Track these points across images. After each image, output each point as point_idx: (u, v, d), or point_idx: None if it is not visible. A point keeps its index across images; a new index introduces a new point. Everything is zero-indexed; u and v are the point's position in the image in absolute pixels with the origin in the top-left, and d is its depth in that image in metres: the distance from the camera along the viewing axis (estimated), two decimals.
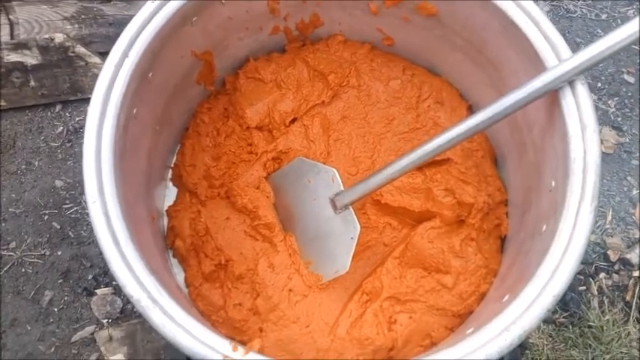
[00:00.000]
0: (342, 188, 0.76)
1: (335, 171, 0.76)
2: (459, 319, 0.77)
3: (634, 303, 1.12)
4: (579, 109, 0.58)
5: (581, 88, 0.58)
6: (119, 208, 0.53)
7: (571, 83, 0.59)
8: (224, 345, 0.49)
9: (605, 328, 1.09)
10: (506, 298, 0.57)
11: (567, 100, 0.58)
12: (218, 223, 0.82)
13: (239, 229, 0.82)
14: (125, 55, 0.59)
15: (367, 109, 0.88)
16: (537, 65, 0.62)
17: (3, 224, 1.23)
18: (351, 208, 0.75)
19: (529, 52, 0.62)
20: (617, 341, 1.09)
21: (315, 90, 0.87)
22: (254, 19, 0.78)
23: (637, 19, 0.53)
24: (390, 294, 0.76)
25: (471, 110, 0.87)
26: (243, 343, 0.61)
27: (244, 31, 0.80)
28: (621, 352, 1.08)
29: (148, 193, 0.76)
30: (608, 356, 1.08)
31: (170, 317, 0.49)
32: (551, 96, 0.61)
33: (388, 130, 0.87)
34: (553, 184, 0.61)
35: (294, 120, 0.87)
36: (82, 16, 1.35)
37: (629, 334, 1.10)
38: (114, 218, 0.52)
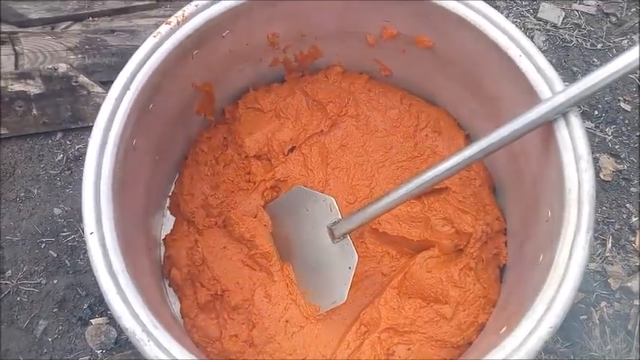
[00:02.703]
0: (340, 217, 0.76)
1: (333, 199, 0.77)
2: (458, 351, 0.76)
3: (636, 332, 1.10)
4: (573, 140, 0.58)
5: (575, 120, 0.59)
6: (116, 240, 0.53)
7: (565, 115, 0.59)
8: None
9: (607, 358, 1.07)
10: (503, 329, 0.56)
11: (561, 132, 0.59)
12: (215, 253, 0.81)
13: (236, 259, 0.81)
14: (126, 88, 0.60)
15: (365, 137, 0.89)
16: (532, 97, 0.63)
17: (0, 252, 1.22)
18: (349, 237, 0.75)
19: (523, 84, 0.63)
20: None
21: (313, 119, 0.88)
22: (254, 51, 0.79)
23: (628, 52, 0.54)
24: (389, 325, 0.75)
25: (469, 139, 0.88)
26: None
27: (244, 63, 0.81)
28: None
29: (146, 222, 0.76)
30: None
31: (164, 350, 0.49)
32: (546, 127, 0.62)
33: (386, 158, 0.88)
34: (549, 214, 0.61)
35: (292, 149, 0.88)
36: (86, 47, 1.37)
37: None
38: (111, 249, 0.52)
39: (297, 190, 0.81)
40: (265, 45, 0.80)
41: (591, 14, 1.54)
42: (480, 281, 0.77)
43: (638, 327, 1.09)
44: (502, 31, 0.63)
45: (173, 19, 0.64)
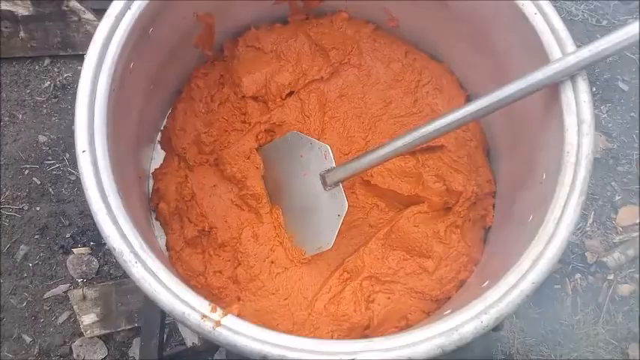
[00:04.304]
0: (334, 165, 0.75)
1: (328, 147, 0.76)
2: (436, 304, 0.77)
3: (605, 305, 1.14)
4: (578, 104, 0.58)
5: (582, 84, 0.58)
6: (108, 161, 0.52)
7: (572, 77, 0.59)
8: (203, 305, 0.49)
9: (575, 327, 1.11)
10: (486, 283, 0.57)
11: (567, 94, 0.59)
12: (205, 190, 0.81)
13: (225, 198, 0.81)
14: (127, 7, 0.57)
15: (365, 89, 0.87)
16: (541, 58, 0.62)
17: None
18: (341, 186, 0.75)
19: (535, 43, 0.62)
20: (586, 340, 1.12)
21: (314, 65, 0.86)
22: None
23: None
24: (371, 273, 0.77)
25: (469, 100, 0.87)
26: None
27: None
28: (588, 351, 1.11)
29: (137, 153, 0.74)
30: (575, 354, 1.11)
31: (151, 273, 0.49)
32: (551, 89, 0.61)
33: (385, 112, 0.87)
34: (544, 176, 0.61)
35: (290, 93, 0.86)
36: None
37: (597, 334, 1.13)
38: (102, 169, 0.51)
39: (293, 135, 0.80)
40: None
41: None
42: (464, 240, 0.78)
43: (607, 300, 1.13)
44: None
45: None
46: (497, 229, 0.78)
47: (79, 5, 1.23)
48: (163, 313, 0.83)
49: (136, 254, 0.49)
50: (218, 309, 0.49)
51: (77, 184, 1.18)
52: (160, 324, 0.82)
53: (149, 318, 0.81)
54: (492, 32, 0.71)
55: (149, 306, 0.81)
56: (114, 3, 0.58)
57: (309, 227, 0.78)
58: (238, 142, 0.83)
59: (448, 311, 0.57)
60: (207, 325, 0.48)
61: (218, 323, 0.48)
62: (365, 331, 0.75)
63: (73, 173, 1.19)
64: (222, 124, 0.83)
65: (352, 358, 0.47)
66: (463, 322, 0.50)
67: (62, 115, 1.24)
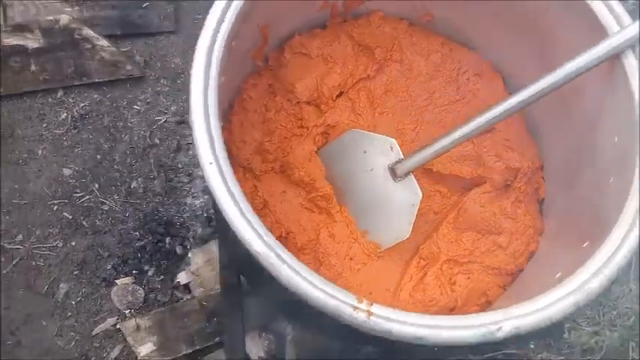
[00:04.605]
0: (402, 157, 0.78)
1: (394, 141, 0.79)
2: (511, 277, 0.81)
3: (633, 262, 1.21)
4: None
5: None
6: (230, 170, 0.53)
7: (632, 48, 0.64)
8: (350, 297, 0.51)
9: (613, 285, 1.18)
10: (586, 244, 0.61)
11: (630, 61, 0.64)
12: (275, 197, 0.82)
13: (295, 203, 0.82)
14: (221, 21, 0.59)
15: (409, 82, 0.91)
16: (596, 34, 0.67)
17: (7, 217, 1.16)
18: (412, 176, 0.78)
19: (590, 20, 0.67)
20: (622, 298, 1.18)
21: (360, 64, 0.89)
22: None
23: None
24: (449, 257, 0.80)
25: (505, 82, 0.92)
26: None
27: (299, 5, 0.80)
28: (626, 308, 1.18)
29: None
30: (615, 312, 1.17)
31: (296, 272, 0.50)
32: (610, 62, 0.66)
33: (429, 102, 0.91)
34: (616, 139, 0.66)
35: (340, 94, 0.89)
36: None
37: (630, 290, 1.20)
38: (229, 178, 0.52)
39: (353, 134, 0.83)
40: None
41: None
42: (528, 212, 0.82)
43: (637, 256, 1.20)
44: None
45: None
46: (557, 200, 0.82)
47: (92, 32, 1.22)
48: (244, 329, 0.84)
49: (279, 256, 0.50)
50: (364, 300, 0.51)
51: (111, 213, 1.16)
52: (242, 339, 0.83)
53: (233, 333, 0.82)
54: (537, 13, 0.76)
55: (232, 322, 0.82)
56: (210, 16, 0.59)
57: (381, 221, 0.81)
58: (299, 147, 0.84)
59: (558, 274, 0.60)
60: (361, 316, 0.49)
61: (370, 313, 0.50)
62: (451, 312, 0.78)
63: (105, 203, 1.17)
64: (281, 132, 0.85)
65: (498, 327, 0.50)
66: (588, 279, 0.53)
67: (84, 145, 1.21)
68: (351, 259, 0.79)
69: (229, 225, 0.51)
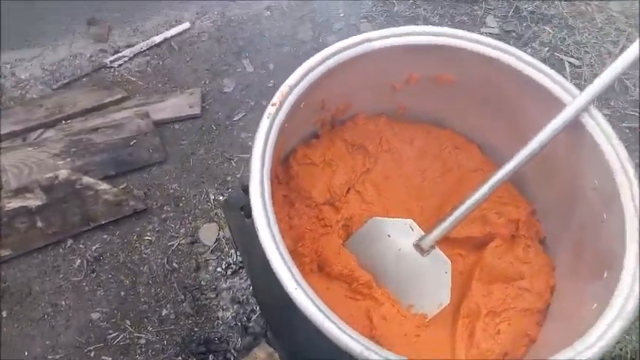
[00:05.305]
0: (423, 233, 0.89)
1: (411, 221, 0.90)
2: (542, 314, 0.92)
3: None
4: (600, 126, 0.79)
5: (595, 111, 0.80)
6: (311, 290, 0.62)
7: (587, 110, 0.80)
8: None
9: None
10: (605, 274, 0.73)
11: (587, 120, 0.80)
12: (321, 294, 0.88)
13: (340, 295, 0.90)
14: (263, 158, 0.70)
15: (402, 166, 1.04)
16: (554, 105, 0.83)
17: None
18: (437, 247, 0.89)
19: (546, 97, 0.83)
20: None
21: (357, 161, 1.02)
22: (310, 114, 0.91)
23: (630, 47, 0.76)
24: (488, 309, 0.89)
25: (481, 149, 1.07)
26: None
27: (302, 125, 0.93)
28: None
29: None
30: None
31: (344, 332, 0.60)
32: (573, 126, 0.82)
33: (423, 179, 1.04)
34: (596, 182, 0.80)
35: (348, 190, 1.00)
36: (72, 150, 1.37)
37: None
38: (313, 297, 0.61)
39: (374, 222, 0.93)
40: (318, 108, 0.93)
41: (497, 34, 1.87)
42: (538, 253, 0.95)
43: None
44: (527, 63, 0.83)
45: (276, 100, 0.75)
46: (562, 236, 0.95)
47: (92, 180, 1.29)
48: None
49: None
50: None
51: (149, 345, 1.18)
52: None
53: None
54: (502, 96, 0.92)
55: None
56: (254, 154, 0.69)
57: (421, 293, 0.90)
58: (328, 245, 0.94)
59: (594, 305, 0.71)
60: None
61: None
62: (505, 357, 0.87)
63: (140, 337, 1.19)
64: (310, 235, 0.94)
65: None
66: (623, 304, 0.65)
67: (106, 286, 1.25)
68: (405, 334, 0.87)
69: (326, 334, 0.59)
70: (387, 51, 0.87)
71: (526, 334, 0.89)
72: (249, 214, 0.74)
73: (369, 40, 0.86)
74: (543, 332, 0.89)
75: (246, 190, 0.68)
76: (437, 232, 0.87)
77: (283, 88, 0.77)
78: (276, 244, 0.65)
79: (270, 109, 0.74)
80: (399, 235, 0.91)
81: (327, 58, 0.83)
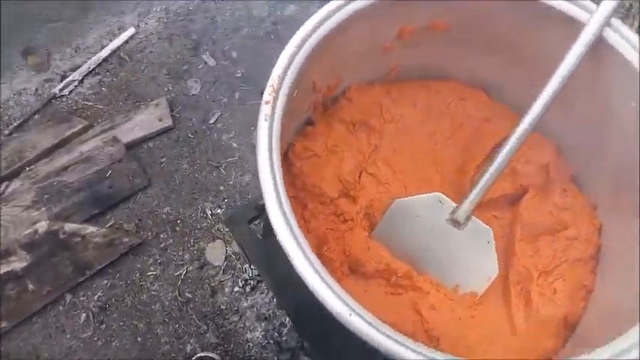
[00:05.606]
0: (455, 205, 0.80)
1: (439, 194, 0.81)
2: (595, 260, 0.85)
3: None
4: (627, 40, 0.70)
5: (618, 23, 0.71)
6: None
7: (608, 23, 0.71)
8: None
9: None
10: None
11: (610, 34, 0.70)
12: (359, 297, 0.79)
13: (381, 294, 0.82)
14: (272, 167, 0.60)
15: (408, 134, 0.94)
16: (570, 27, 0.73)
17: None
18: (474, 217, 0.80)
19: (557, 19, 0.73)
20: None
21: (362, 141, 0.92)
22: (302, 101, 0.81)
23: None
24: (539, 270, 0.82)
25: (487, 92, 0.97)
26: None
27: (295, 116, 0.82)
28: None
29: None
30: None
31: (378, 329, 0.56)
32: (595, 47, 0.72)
33: (435, 142, 0.94)
34: (633, 104, 0.72)
35: (360, 174, 0.90)
36: (45, 197, 1.24)
37: None
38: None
39: (398, 204, 0.84)
40: (310, 92, 0.82)
41: None
42: (576, 195, 0.87)
43: None
44: None
45: (269, 97, 0.64)
46: (596, 173, 0.87)
47: (75, 225, 1.16)
48: None
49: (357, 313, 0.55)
50: None
51: None
52: None
53: None
54: (507, 34, 0.82)
55: None
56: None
57: (465, 270, 0.82)
58: (356, 240, 0.84)
59: None
60: None
61: None
62: (566, 320, 0.80)
63: None
64: (333, 234, 0.85)
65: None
66: None
67: (119, 335, 1.14)
68: (460, 319, 0.79)
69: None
70: (373, 8, 0.76)
71: (583, 286, 0.82)
72: (266, 233, 0.64)
73: (350, 1, 0.74)
74: (599, 280, 0.82)
75: (261, 209, 0.58)
76: (470, 201, 0.78)
77: (272, 81, 0.66)
78: (315, 270, 0.55)
79: (265, 110, 0.63)
80: (429, 212, 0.82)
81: (309, 35, 0.71)
